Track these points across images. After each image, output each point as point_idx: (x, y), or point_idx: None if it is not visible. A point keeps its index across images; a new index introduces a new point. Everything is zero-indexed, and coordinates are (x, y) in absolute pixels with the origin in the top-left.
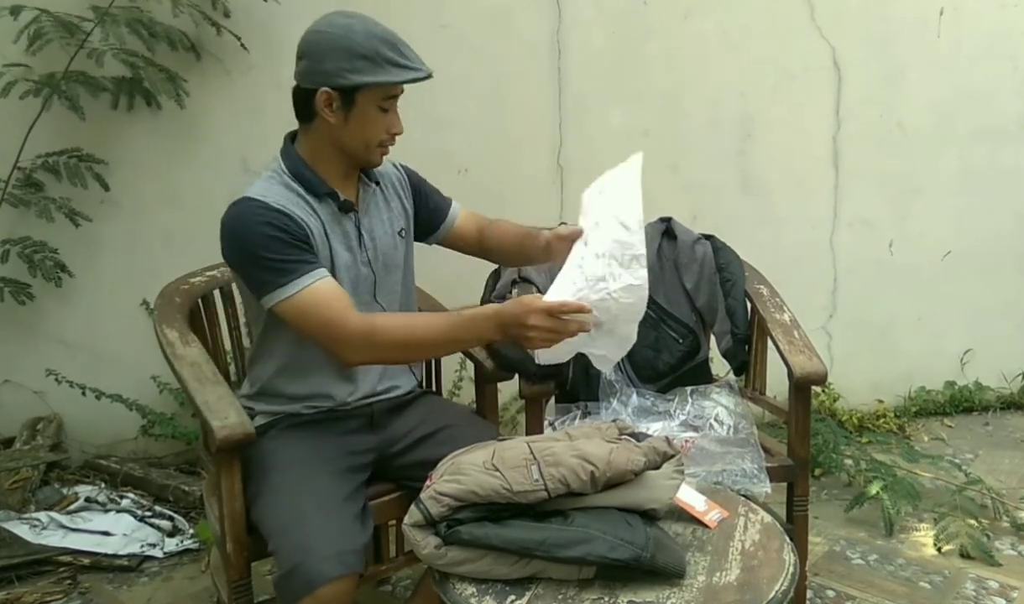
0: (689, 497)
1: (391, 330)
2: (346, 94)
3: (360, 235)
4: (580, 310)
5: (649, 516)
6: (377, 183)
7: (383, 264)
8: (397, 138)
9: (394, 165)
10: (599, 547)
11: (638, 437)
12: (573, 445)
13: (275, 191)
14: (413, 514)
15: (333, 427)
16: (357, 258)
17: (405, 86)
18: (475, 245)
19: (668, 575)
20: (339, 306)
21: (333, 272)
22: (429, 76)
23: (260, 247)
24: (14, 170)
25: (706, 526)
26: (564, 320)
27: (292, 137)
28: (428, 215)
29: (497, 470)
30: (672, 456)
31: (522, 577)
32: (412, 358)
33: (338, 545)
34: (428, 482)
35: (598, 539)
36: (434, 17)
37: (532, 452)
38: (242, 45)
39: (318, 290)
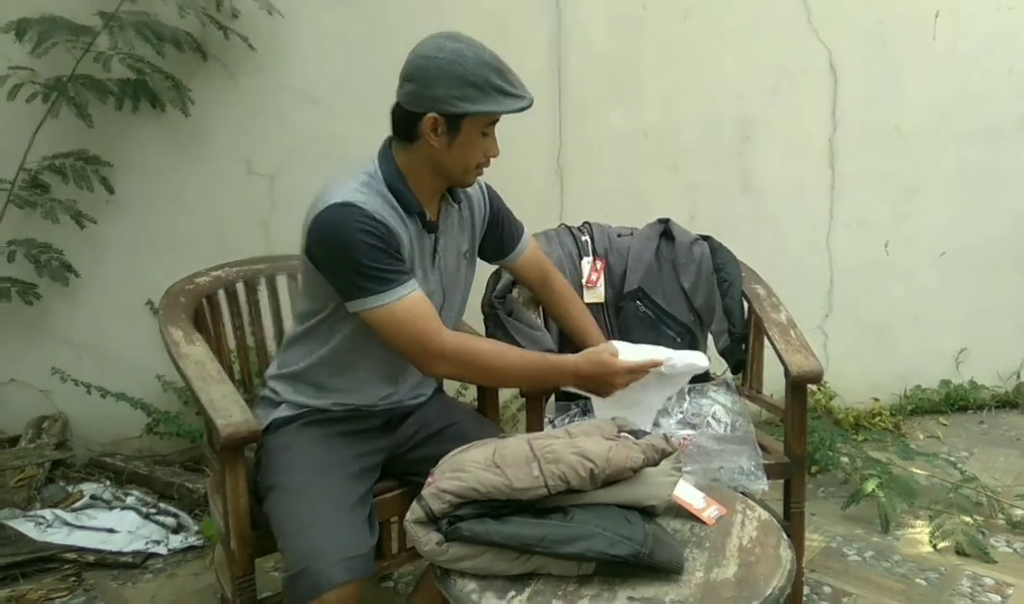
0: (687, 494)
1: (488, 356)
2: (452, 120)
3: (435, 254)
4: (655, 365)
5: (647, 512)
6: (459, 202)
7: (446, 284)
8: (492, 160)
9: (479, 185)
10: (598, 543)
11: (636, 435)
12: (573, 443)
13: (373, 200)
14: (415, 511)
15: (353, 425)
16: (429, 277)
17: None
18: (535, 290)
19: (667, 571)
20: (433, 322)
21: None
22: (532, 103)
23: (360, 254)
24: (20, 171)
25: (704, 523)
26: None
27: (389, 143)
28: (497, 243)
29: (498, 467)
30: (670, 453)
31: (522, 573)
32: (492, 384)
33: (346, 551)
34: (430, 479)
35: (598, 535)
36: (434, 17)
37: (532, 449)
38: (249, 45)
39: (412, 302)
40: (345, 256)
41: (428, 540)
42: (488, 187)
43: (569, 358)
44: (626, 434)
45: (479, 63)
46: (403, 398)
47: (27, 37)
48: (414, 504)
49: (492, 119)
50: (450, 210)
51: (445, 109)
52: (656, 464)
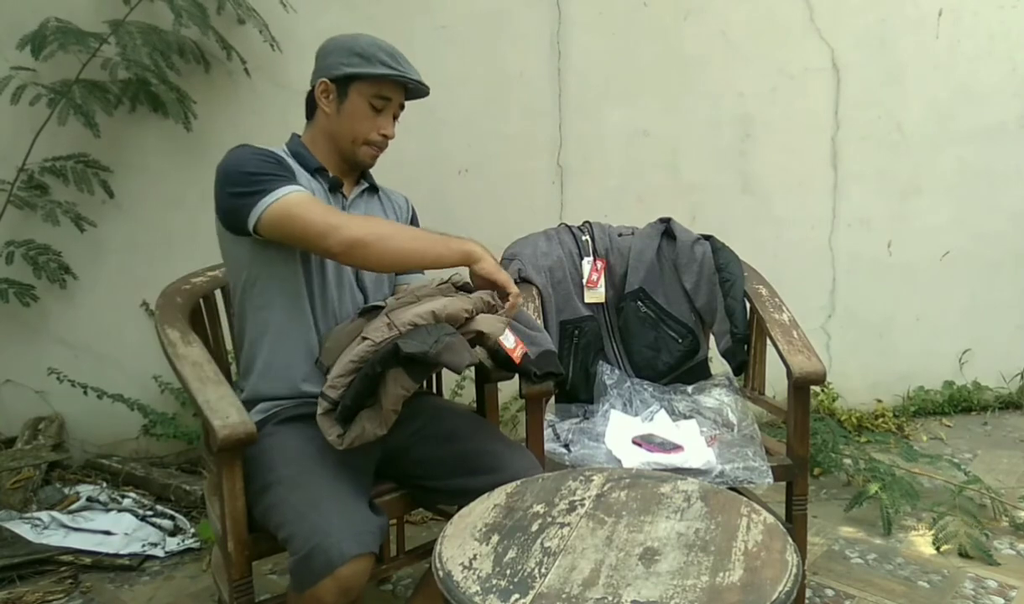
0: (506, 339)
1: (386, 225)
2: (341, 86)
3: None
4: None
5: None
6: (377, 192)
7: None
8: (389, 141)
9: (405, 198)
10: (405, 345)
11: (468, 289)
12: (419, 304)
13: (272, 151)
14: (320, 404)
15: None
16: None
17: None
18: None
19: (452, 369)
20: (326, 207)
21: None
22: (418, 84)
23: (249, 165)
24: (20, 173)
25: (514, 361)
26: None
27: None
28: None
29: (364, 339)
30: (495, 307)
31: (385, 421)
32: (392, 258)
33: (355, 525)
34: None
35: (408, 342)
36: (434, 18)
37: (387, 317)
38: (245, 70)
39: (304, 194)
40: (237, 172)
41: (332, 432)
42: (413, 207)
43: (465, 241)
44: (462, 290)
45: (371, 42)
46: None
47: (42, 51)
48: (320, 399)
49: (380, 92)
50: (368, 194)
51: (332, 73)
52: (487, 312)
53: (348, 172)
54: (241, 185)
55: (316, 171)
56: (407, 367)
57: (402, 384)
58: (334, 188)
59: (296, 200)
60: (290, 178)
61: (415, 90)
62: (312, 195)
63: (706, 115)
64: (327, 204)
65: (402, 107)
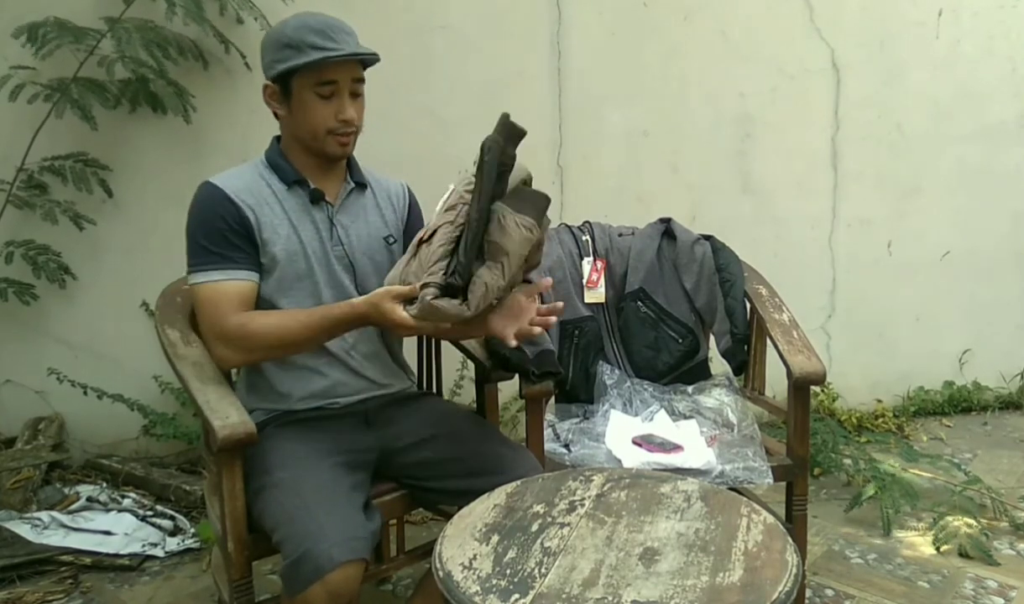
0: None
1: (269, 332)
2: (282, 85)
3: (333, 226)
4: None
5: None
6: (366, 187)
7: (364, 260)
8: (356, 126)
9: (402, 185)
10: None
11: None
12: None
13: (242, 178)
14: (429, 292)
15: (327, 424)
16: (328, 247)
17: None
18: None
19: (544, 204)
20: (226, 307)
21: (305, 258)
22: (359, 56)
23: (198, 231)
24: (19, 172)
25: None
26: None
27: None
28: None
29: (434, 231)
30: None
31: (510, 267)
32: (286, 354)
33: (346, 531)
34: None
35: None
36: (434, 17)
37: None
38: (246, 64)
39: (220, 287)
40: (189, 231)
41: (452, 307)
42: (410, 192)
43: (351, 303)
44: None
45: (298, 27)
46: (361, 390)
47: (38, 44)
48: (424, 289)
49: (321, 78)
50: (357, 193)
51: (270, 74)
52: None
53: (330, 171)
54: (188, 249)
55: (294, 184)
56: (519, 207)
57: (524, 225)
58: (315, 200)
59: (203, 295)
60: (222, 256)
61: (368, 59)
62: (220, 289)
63: (706, 115)
64: (228, 299)
65: (361, 80)
